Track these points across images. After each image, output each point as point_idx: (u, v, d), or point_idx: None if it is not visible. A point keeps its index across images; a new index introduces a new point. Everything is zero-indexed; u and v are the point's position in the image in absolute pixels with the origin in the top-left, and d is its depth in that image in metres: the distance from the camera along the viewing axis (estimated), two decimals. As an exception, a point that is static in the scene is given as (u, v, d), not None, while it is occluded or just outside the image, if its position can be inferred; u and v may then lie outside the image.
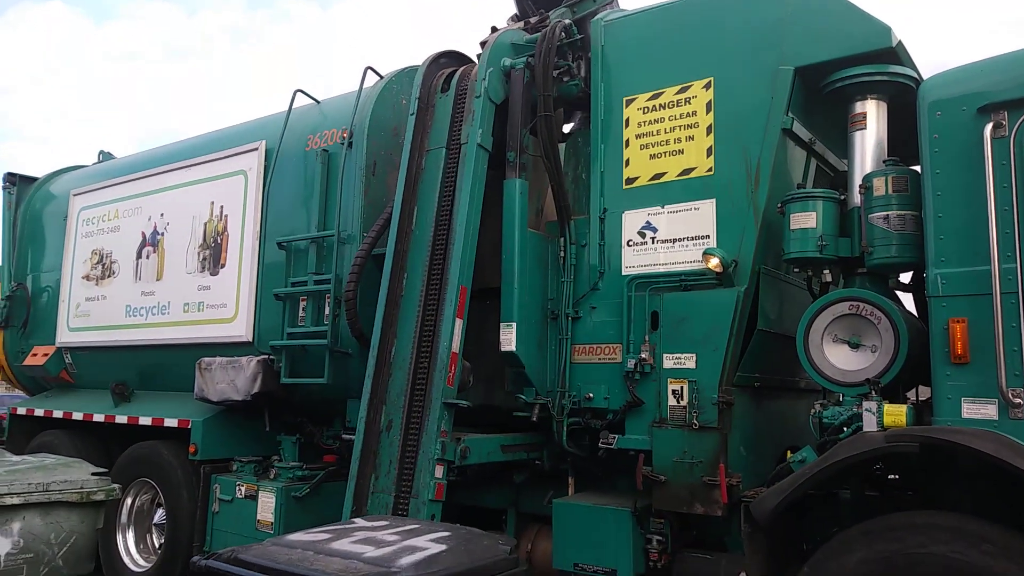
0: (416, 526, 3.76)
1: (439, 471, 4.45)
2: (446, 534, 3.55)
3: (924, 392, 4.10)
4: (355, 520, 3.98)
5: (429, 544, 3.34)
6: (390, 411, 4.77)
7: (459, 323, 4.69)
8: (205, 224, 6.58)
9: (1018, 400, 3.33)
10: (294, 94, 6.26)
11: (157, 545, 6.50)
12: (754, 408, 4.51)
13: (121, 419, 6.81)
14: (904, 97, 4.16)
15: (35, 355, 7.92)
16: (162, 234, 6.94)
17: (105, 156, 8.77)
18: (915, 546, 3.26)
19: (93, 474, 4.97)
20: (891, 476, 4.18)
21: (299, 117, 6.25)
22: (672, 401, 4.29)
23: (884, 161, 4.11)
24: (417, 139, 5.24)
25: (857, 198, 4.11)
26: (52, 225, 8.26)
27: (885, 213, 3.91)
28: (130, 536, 6.67)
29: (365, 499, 4.66)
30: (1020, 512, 3.41)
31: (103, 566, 6.46)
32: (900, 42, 4.16)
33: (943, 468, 3.67)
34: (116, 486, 4.98)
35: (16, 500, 4.49)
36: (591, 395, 4.65)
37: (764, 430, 4.58)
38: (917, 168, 3.88)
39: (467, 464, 4.65)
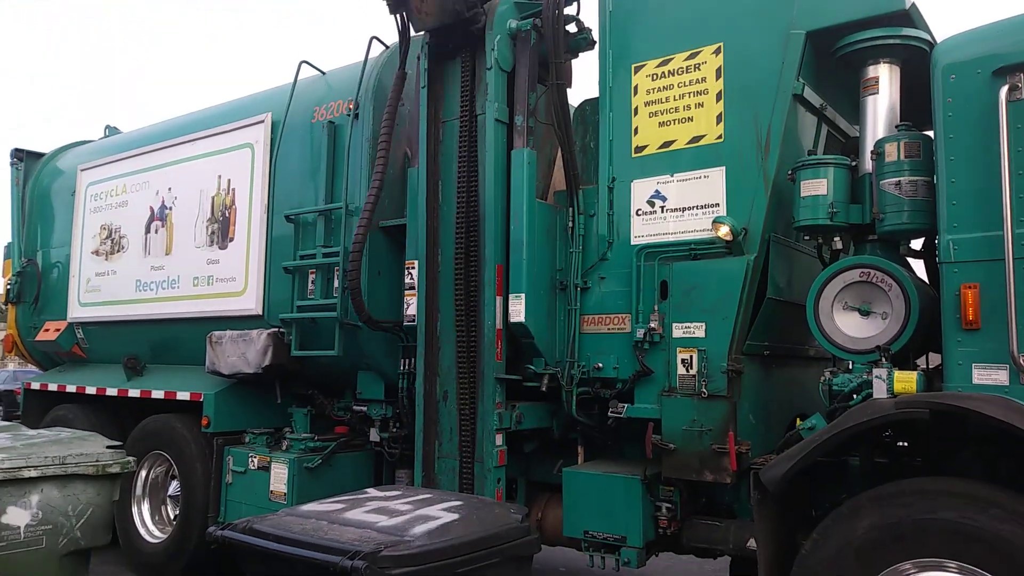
0: (429, 496, 3.81)
1: (499, 439, 4.73)
2: (458, 503, 3.59)
3: (934, 360, 4.09)
4: (368, 490, 4.04)
5: (442, 513, 3.39)
6: (444, 382, 4.99)
7: (499, 300, 4.79)
8: (213, 198, 6.58)
9: (1029, 366, 3.31)
10: (299, 65, 6.22)
11: (172, 516, 6.60)
12: (763, 376, 4.52)
13: (134, 393, 6.87)
14: (918, 60, 4.09)
15: (47, 330, 7.98)
16: (170, 208, 6.95)
17: (111, 131, 8.76)
18: (924, 512, 3.27)
19: (108, 447, 5.02)
20: (900, 443, 4.18)
21: (304, 89, 6.21)
22: (681, 370, 4.30)
23: (896, 126, 4.06)
24: (431, 110, 5.19)
25: (868, 164, 4.07)
26: (60, 201, 8.28)
27: (897, 179, 3.87)
28: (145, 508, 6.77)
29: (432, 464, 4.96)
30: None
31: (119, 538, 6.56)
32: (914, 4, 4.09)
33: (953, 434, 3.68)
34: (131, 459, 5.03)
35: (34, 473, 4.54)
36: (600, 365, 4.66)
37: (773, 398, 4.59)
38: (930, 133, 3.84)
39: (522, 429, 4.88)
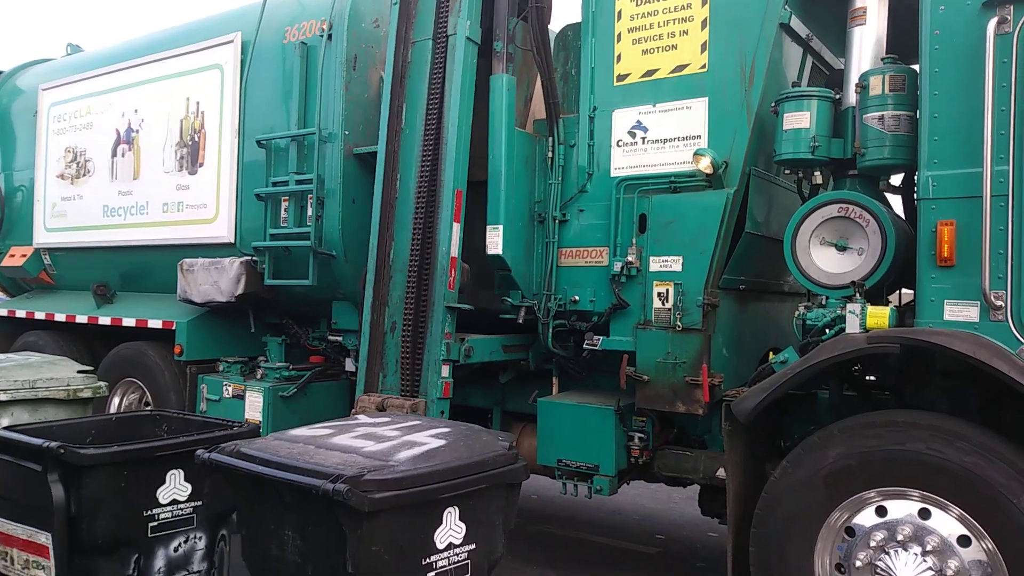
0: (417, 422, 3.80)
1: (445, 371, 4.63)
2: (446, 430, 3.58)
3: (907, 296, 4.13)
4: (358, 417, 4.03)
5: (429, 439, 3.38)
6: (393, 313, 4.85)
7: (456, 227, 4.67)
8: (181, 121, 6.37)
9: (999, 302, 3.35)
10: (270, -18, 5.95)
11: (147, 443, 6.59)
12: (738, 310, 4.54)
13: (104, 320, 6.78)
14: (907, -9, 4.00)
15: (12, 256, 7.79)
16: (137, 131, 6.72)
17: (73, 49, 8.39)
18: (893, 443, 3.35)
19: (79, 372, 4.97)
20: (869, 377, 4.26)
21: (276, 7, 5.95)
22: (657, 303, 4.30)
23: (882, 59, 3.99)
24: (402, 30, 5.00)
25: (852, 97, 4.01)
26: (22, 121, 7.96)
27: (880, 113, 3.82)
28: (119, 434, 6.75)
29: None
30: (995, 411, 3.50)
31: (94, 463, 6.56)
32: (906, -69, 3.98)
33: (923, 369, 3.74)
34: (103, 383, 4.99)
35: (3, 397, 4.51)
36: (577, 298, 4.65)
37: (747, 332, 4.63)
38: (916, 67, 3.78)
39: (471, 363, 4.79)
